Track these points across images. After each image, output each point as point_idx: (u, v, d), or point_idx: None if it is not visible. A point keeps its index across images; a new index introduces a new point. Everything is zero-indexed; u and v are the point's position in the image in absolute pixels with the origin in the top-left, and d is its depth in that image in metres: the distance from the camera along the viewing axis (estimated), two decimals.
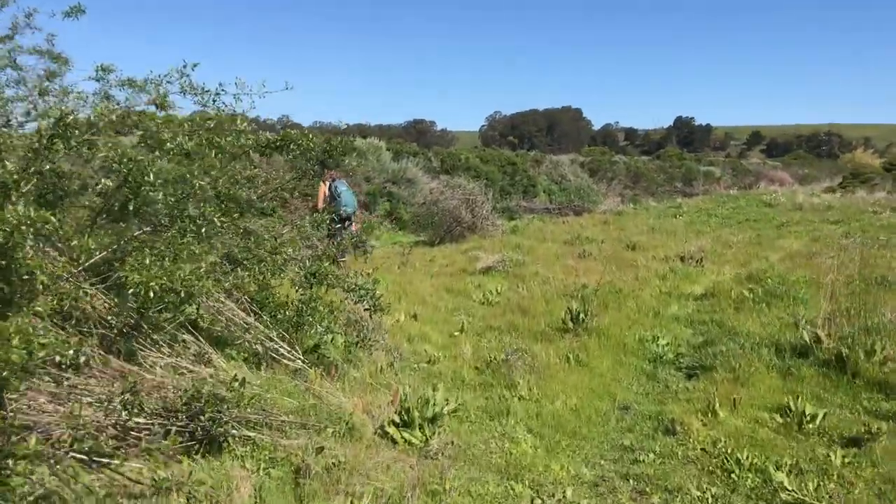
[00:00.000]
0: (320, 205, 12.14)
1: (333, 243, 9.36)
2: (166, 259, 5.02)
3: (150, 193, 5.25)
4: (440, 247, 16.17)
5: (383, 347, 7.05)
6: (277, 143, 5.82)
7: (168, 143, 5.26)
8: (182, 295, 5.02)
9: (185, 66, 6.00)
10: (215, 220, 5.37)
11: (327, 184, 12.36)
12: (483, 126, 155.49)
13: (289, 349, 6.05)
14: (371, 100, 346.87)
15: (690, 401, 6.00)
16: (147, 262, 4.98)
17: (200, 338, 5.81)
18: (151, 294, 4.85)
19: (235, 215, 6.15)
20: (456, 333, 8.00)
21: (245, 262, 6.02)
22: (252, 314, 6.03)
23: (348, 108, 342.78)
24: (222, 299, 5.95)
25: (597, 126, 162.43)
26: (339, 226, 11.25)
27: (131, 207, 5.20)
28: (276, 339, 6.01)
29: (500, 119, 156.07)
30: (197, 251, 5.19)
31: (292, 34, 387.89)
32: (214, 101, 6.00)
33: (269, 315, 6.38)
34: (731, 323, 8.24)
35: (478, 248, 14.53)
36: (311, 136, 6.02)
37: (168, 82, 6.00)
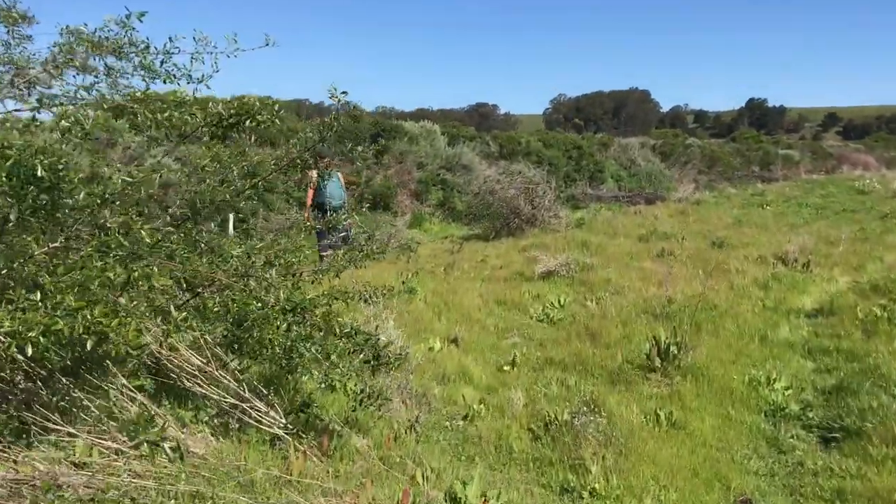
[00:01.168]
0: (310, 199, 11.18)
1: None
2: (67, 293, 3.36)
3: (42, 195, 3.57)
4: (495, 242, 14.32)
5: (406, 394, 5.29)
6: (231, 119, 4.03)
7: (63, 121, 3.55)
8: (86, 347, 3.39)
9: (128, 16, 4.28)
10: (143, 231, 3.65)
11: (315, 173, 10.33)
12: (547, 109, 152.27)
13: (266, 408, 4.32)
14: (433, 86, 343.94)
15: (843, 496, 4.08)
16: (38, 297, 3.35)
17: (137, 394, 4.15)
18: (30, 350, 3.22)
19: (190, 225, 4.49)
20: (506, 368, 6.18)
21: (200, 291, 4.34)
22: (215, 360, 4.31)
23: (410, 95, 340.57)
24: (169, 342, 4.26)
25: (665, 108, 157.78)
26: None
27: (13, 217, 3.52)
28: (248, 394, 4.29)
29: (564, 102, 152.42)
30: (115, 278, 3.50)
31: (357, 24, 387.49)
32: (163, 62, 4.28)
33: (248, 358, 4.69)
34: (870, 357, 6.23)
35: (538, 244, 12.65)
36: (275, 105, 4.19)
37: (104, 38, 4.31)
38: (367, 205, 17.22)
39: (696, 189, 26.74)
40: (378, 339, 4.04)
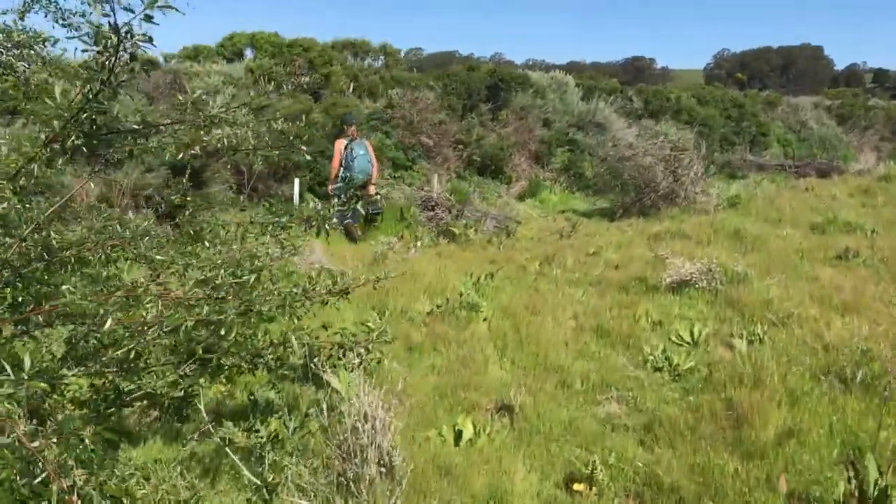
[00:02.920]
0: (334, 169, 10.12)
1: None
2: None
3: None
4: (621, 223, 11.47)
5: None
6: None
7: None
8: None
9: None
10: None
11: (344, 143, 10.06)
12: (709, 65, 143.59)
13: None
14: (588, 39, 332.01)
15: None
16: None
17: None
18: None
19: None
20: (579, 487, 3.57)
21: None
22: None
23: (563, 48, 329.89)
24: None
25: (839, 66, 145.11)
26: (350, 193, 9.58)
27: None
28: None
29: (727, 57, 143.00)
30: None
31: None
32: None
33: None
34: None
35: (674, 232, 9.72)
36: None
37: None
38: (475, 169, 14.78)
39: (878, 159, 22.51)
40: None
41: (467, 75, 16.19)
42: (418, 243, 8.11)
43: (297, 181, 11.27)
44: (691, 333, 5.74)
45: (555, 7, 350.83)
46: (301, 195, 11.32)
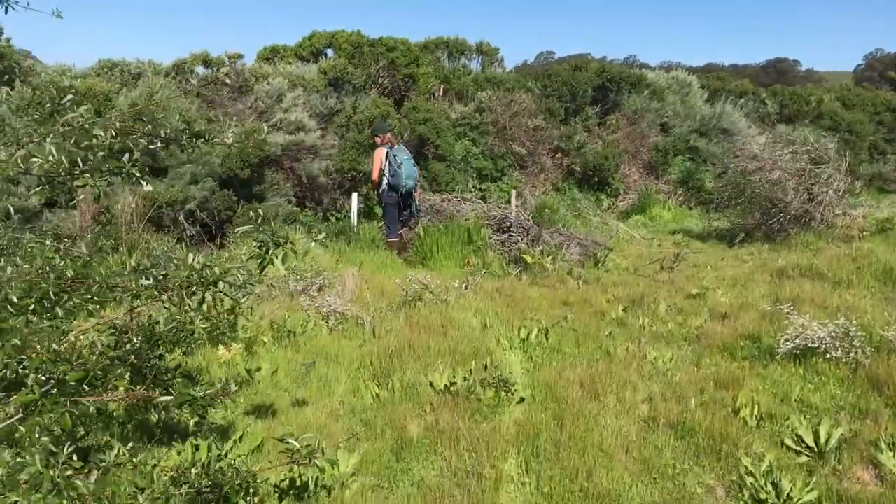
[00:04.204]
0: (376, 175, 9.55)
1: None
2: None
3: None
4: (741, 249, 9.54)
5: None
6: None
7: None
8: None
9: None
10: None
11: (384, 151, 9.42)
12: (859, 66, 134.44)
13: None
14: (728, 41, 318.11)
15: None
16: None
17: None
18: None
19: None
20: None
21: None
22: None
23: (702, 50, 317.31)
24: None
25: None
26: (398, 201, 9.52)
27: None
28: None
29: (881, 58, 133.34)
30: None
31: None
32: None
33: None
34: None
35: (804, 267, 7.72)
36: None
37: None
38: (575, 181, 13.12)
39: None
40: None
41: (571, 75, 14.43)
42: (456, 283, 6.53)
43: (354, 196, 9.97)
44: (815, 435, 3.97)
45: (693, 6, 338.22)
46: (360, 211, 10.05)
